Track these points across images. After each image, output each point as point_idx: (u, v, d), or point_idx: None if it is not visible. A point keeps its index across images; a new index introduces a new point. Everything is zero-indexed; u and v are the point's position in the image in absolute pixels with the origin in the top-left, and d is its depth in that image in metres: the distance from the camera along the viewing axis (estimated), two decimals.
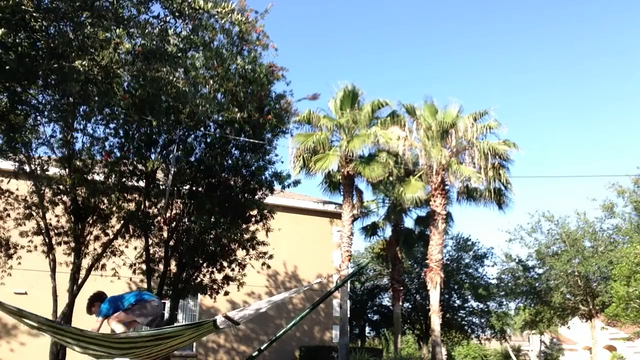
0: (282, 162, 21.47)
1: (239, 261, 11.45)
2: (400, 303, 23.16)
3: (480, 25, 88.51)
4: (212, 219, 10.09)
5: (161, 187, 10.45)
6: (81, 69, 5.92)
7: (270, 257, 11.61)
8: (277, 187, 10.92)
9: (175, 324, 5.16)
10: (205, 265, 10.97)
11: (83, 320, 6.70)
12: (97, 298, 5.83)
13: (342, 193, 18.53)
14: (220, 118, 9.22)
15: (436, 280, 18.00)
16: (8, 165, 10.08)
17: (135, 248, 11.31)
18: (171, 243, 10.59)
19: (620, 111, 79.86)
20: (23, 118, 8.13)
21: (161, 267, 10.83)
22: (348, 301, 19.10)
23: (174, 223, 10.54)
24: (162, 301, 6.19)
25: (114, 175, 9.86)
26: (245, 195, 10.62)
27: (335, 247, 19.23)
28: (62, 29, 6.12)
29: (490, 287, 28.12)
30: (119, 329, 5.47)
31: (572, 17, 77.62)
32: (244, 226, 11.05)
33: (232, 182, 10.41)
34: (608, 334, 30.52)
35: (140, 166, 10.15)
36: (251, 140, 9.44)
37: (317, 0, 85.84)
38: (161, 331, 4.98)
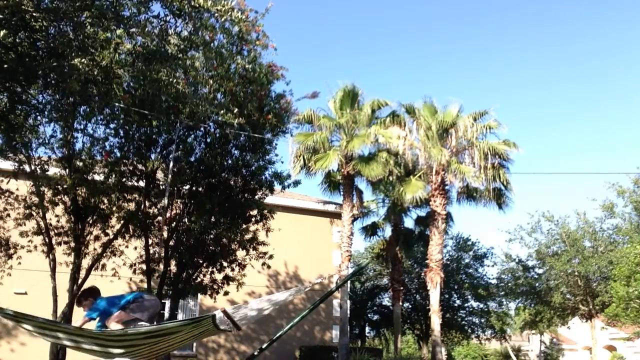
0: (282, 162, 21.50)
1: (239, 261, 11.45)
2: (400, 303, 23.16)
3: (480, 25, 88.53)
4: (212, 219, 10.09)
5: (161, 187, 10.45)
6: (81, 67, 5.92)
7: (271, 257, 11.61)
8: (277, 187, 10.92)
9: (174, 324, 5.12)
10: (205, 265, 10.97)
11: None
12: (91, 293, 5.80)
13: (342, 193, 18.52)
14: (220, 118, 9.24)
15: (436, 280, 18.00)
16: (8, 165, 10.07)
17: (135, 248, 11.31)
18: (171, 243, 10.60)
19: (620, 111, 79.87)
20: (23, 118, 8.13)
21: (161, 267, 10.83)
22: (348, 301, 19.10)
23: (174, 223, 10.55)
24: (163, 301, 6.22)
25: (114, 175, 9.85)
26: (245, 195, 10.61)
27: (336, 247, 19.23)
28: (62, 29, 6.12)
29: (490, 287, 28.12)
30: (118, 328, 5.47)
31: (572, 17, 77.64)
32: (244, 226, 11.05)
33: (232, 182, 10.41)
34: (608, 334, 30.52)
35: (140, 166, 10.15)
36: (253, 134, 9.43)
37: (317, 0, 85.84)
38: (159, 327, 4.97)
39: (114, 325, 5.49)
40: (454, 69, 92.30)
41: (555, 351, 37.89)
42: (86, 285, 9.92)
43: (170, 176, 8.48)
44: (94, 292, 5.84)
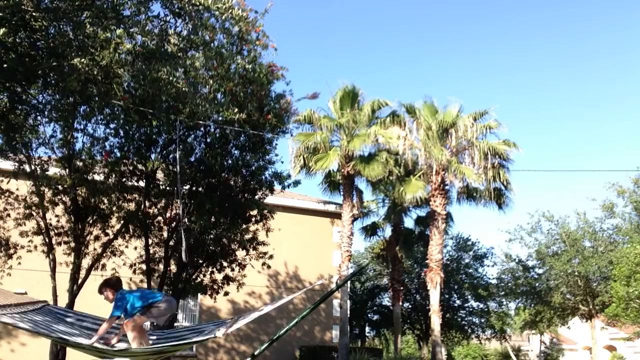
0: (282, 162, 21.50)
1: (239, 261, 11.45)
2: (400, 303, 23.18)
3: (480, 26, 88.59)
4: (212, 219, 10.09)
5: (161, 187, 10.45)
6: (80, 67, 5.92)
7: (271, 257, 11.61)
8: (277, 187, 10.92)
9: (180, 342, 5.18)
10: (205, 265, 10.97)
11: None
12: (113, 285, 5.63)
13: (342, 193, 18.53)
14: (221, 118, 9.23)
15: (436, 280, 18.00)
16: (8, 165, 10.07)
17: (136, 248, 11.31)
18: (171, 243, 10.60)
19: (620, 111, 79.91)
20: (23, 118, 8.12)
21: (161, 267, 10.83)
22: (348, 301, 19.10)
23: (174, 223, 10.55)
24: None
25: (114, 175, 9.86)
26: (245, 195, 10.61)
27: (336, 247, 19.23)
28: (62, 29, 6.12)
29: (490, 287, 28.13)
30: (132, 336, 5.45)
31: (572, 17, 77.69)
32: (244, 226, 11.05)
33: (232, 182, 10.41)
34: (608, 334, 30.52)
35: (140, 166, 10.15)
36: (253, 132, 9.43)
37: (317, 0, 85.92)
38: (165, 347, 5.04)
39: (129, 333, 5.45)
40: (454, 69, 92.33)
41: (555, 351, 37.86)
42: (87, 287, 9.98)
43: (179, 172, 8.46)
44: (115, 284, 5.71)
